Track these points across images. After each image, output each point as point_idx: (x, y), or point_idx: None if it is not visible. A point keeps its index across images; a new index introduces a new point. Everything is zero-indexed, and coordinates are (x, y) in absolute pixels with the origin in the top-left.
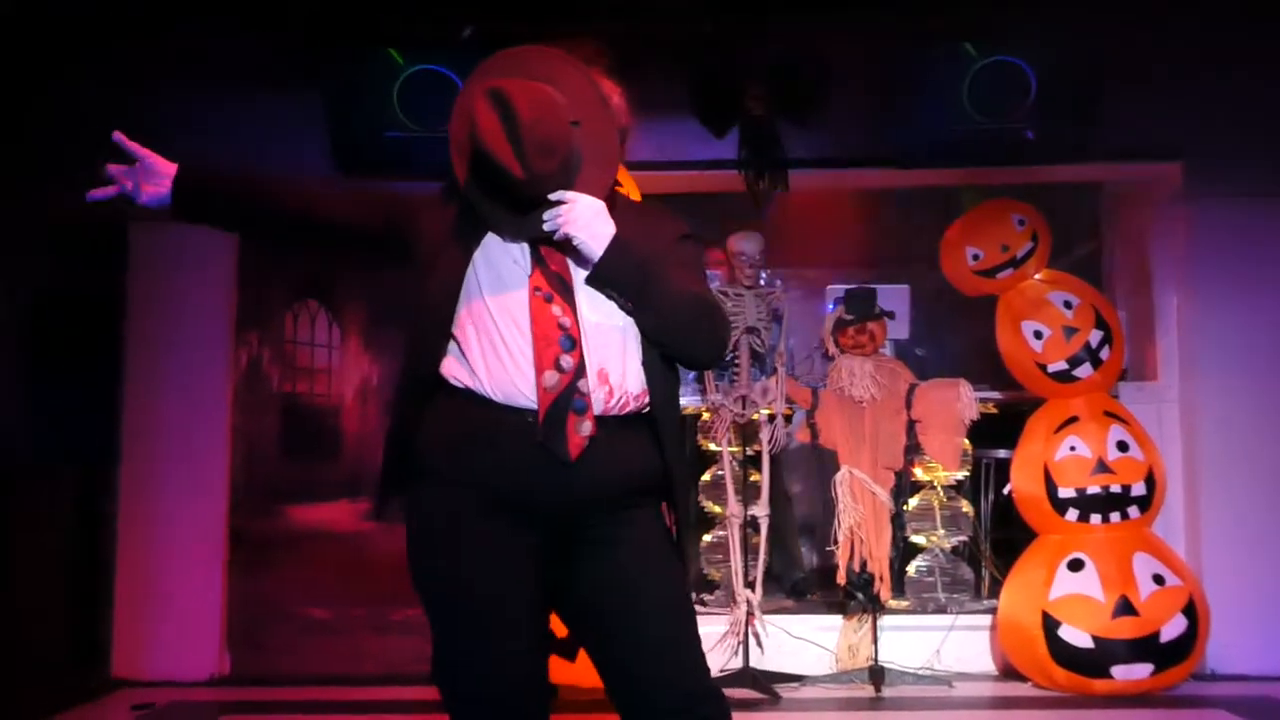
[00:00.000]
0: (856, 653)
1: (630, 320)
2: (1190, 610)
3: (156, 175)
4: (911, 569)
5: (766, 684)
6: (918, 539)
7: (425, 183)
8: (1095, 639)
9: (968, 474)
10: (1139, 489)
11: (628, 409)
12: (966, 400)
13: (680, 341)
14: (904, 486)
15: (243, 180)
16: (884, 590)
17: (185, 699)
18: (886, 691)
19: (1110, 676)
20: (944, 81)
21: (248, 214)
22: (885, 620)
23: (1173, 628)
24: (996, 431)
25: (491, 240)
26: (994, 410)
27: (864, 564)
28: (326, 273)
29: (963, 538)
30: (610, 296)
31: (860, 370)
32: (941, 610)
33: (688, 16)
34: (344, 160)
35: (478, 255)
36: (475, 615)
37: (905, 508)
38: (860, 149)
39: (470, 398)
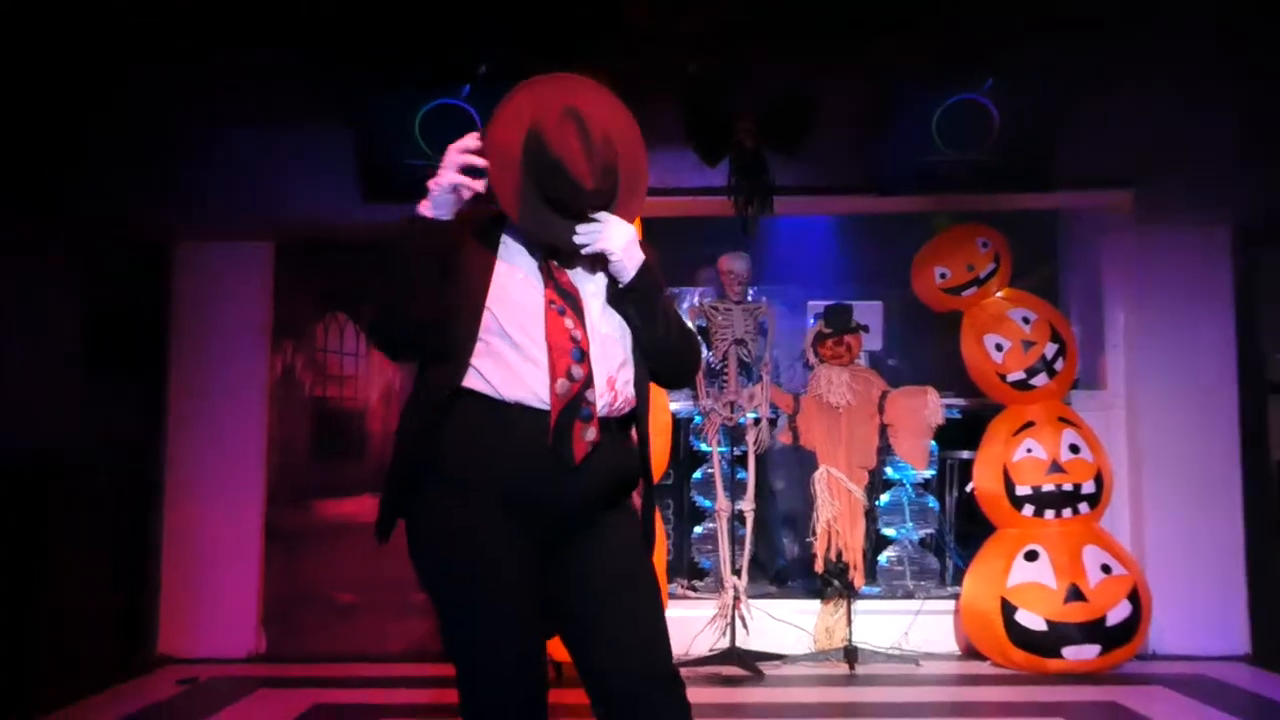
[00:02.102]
0: (833, 634)
1: (628, 332)
2: (1134, 597)
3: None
4: (883, 558)
5: (751, 662)
6: (888, 531)
7: None
8: (1049, 623)
9: (934, 473)
10: (1089, 487)
11: (624, 412)
12: (933, 406)
13: (673, 360)
14: (876, 484)
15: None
16: (858, 577)
17: (225, 674)
18: (860, 669)
19: (1062, 656)
20: (916, 117)
21: (427, 289)
22: (859, 605)
23: (1118, 612)
24: (960, 435)
25: (503, 258)
26: (959, 415)
27: (840, 554)
28: (352, 288)
29: (929, 530)
30: (629, 314)
31: (838, 379)
32: (910, 596)
33: (685, 55)
34: (370, 185)
35: (495, 271)
36: (489, 607)
37: (878, 503)
38: (839, 177)
39: (486, 404)
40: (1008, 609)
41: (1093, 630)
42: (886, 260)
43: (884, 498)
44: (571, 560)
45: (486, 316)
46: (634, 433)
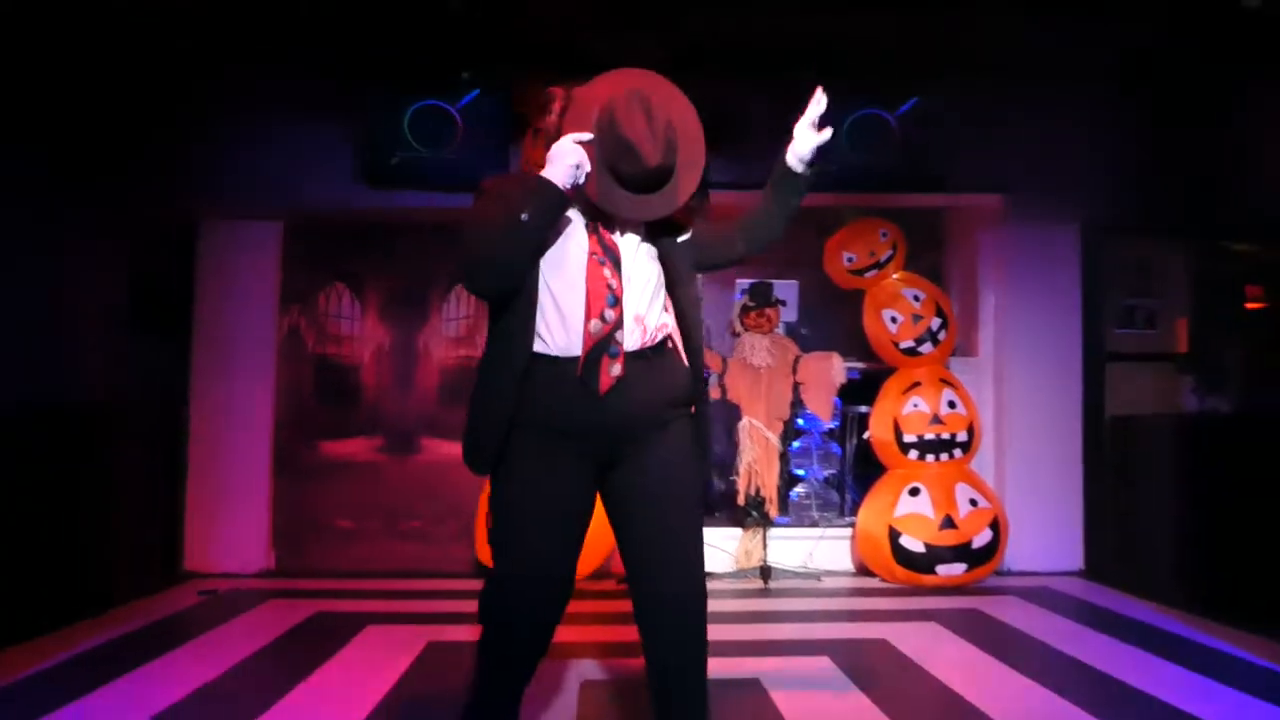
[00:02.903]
0: (751, 555)
1: (662, 280)
2: (995, 525)
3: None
4: (793, 494)
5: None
6: (799, 471)
7: (431, 193)
8: (926, 546)
9: (837, 424)
10: (962, 436)
11: (657, 339)
12: (838, 368)
13: (781, 228)
14: (789, 432)
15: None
16: (772, 509)
17: (240, 587)
18: (772, 584)
19: (936, 573)
20: (828, 127)
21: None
22: (773, 532)
23: (982, 538)
24: (860, 392)
25: (560, 228)
26: (858, 376)
27: (758, 490)
28: (350, 261)
29: (832, 471)
30: (789, 190)
31: (759, 344)
32: (815, 525)
33: (638, 66)
34: (368, 174)
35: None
36: (538, 513)
37: (790, 448)
38: (765, 175)
39: (539, 359)
40: (894, 535)
41: (961, 552)
42: (802, 247)
43: (796, 443)
44: (617, 478)
45: (541, 281)
46: (690, 347)
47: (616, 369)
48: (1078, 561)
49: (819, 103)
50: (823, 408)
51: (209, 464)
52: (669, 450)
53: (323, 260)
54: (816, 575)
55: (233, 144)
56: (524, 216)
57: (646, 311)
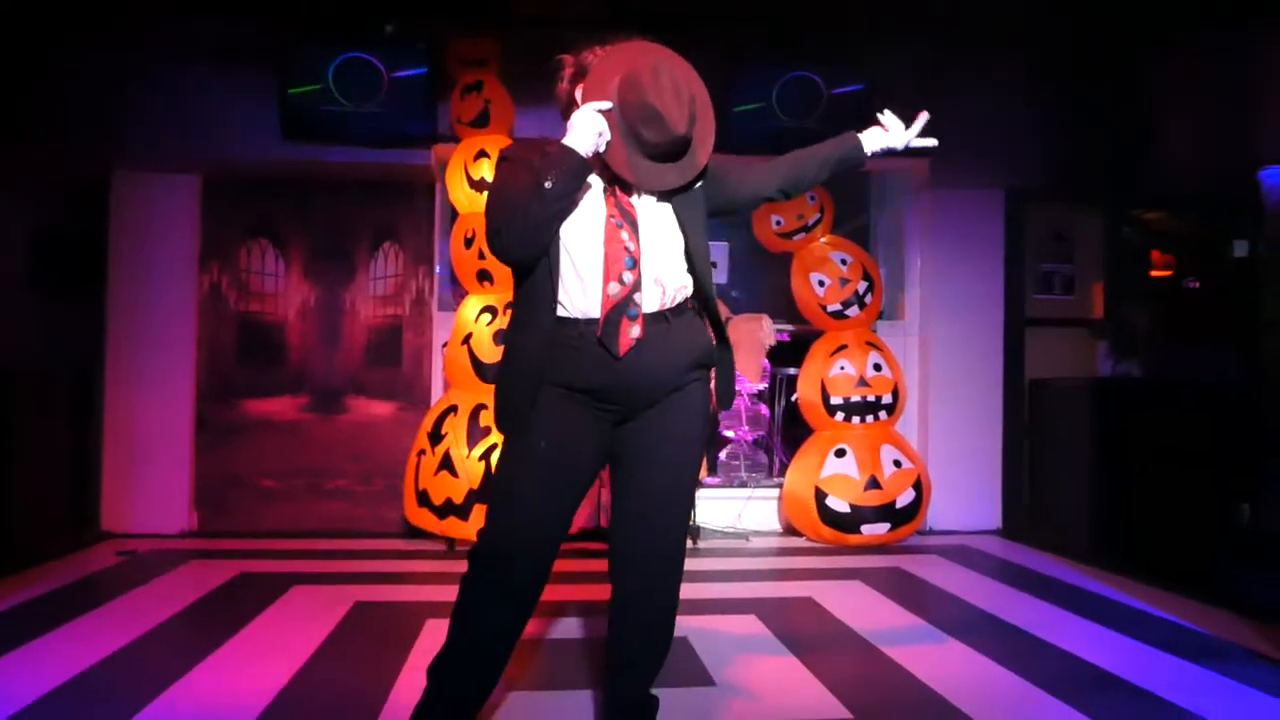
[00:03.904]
0: None
1: (680, 242)
2: (918, 485)
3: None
4: (723, 455)
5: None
6: (728, 433)
7: (352, 148)
8: (852, 506)
9: (766, 385)
10: (888, 399)
11: (677, 300)
12: (768, 330)
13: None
14: None
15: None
16: (702, 470)
17: (161, 548)
18: (702, 544)
19: (861, 532)
20: (759, 91)
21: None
22: (702, 492)
23: (905, 498)
24: (788, 354)
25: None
26: (787, 338)
27: None
28: (273, 217)
29: (761, 433)
30: (839, 167)
31: None
32: (743, 485)
33: (567, 24)
34: (290, 129)
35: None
36: (550, 462)
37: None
38: None
39: (562, 321)
40: (820, 495)
41: (885, 512)
42: None
43: None
44: (626, 434)
45: (562, 247)
46: (709, 307)
47: (636, 331)
48: (996, 521)
49: (922, 121)
50: (752, 369)
51: (127, 424)
52: (682, 414)
53: (244, 215)
54: (744, 535)
55: (147, 92)
56: (548, 184)
57: (666, 273)
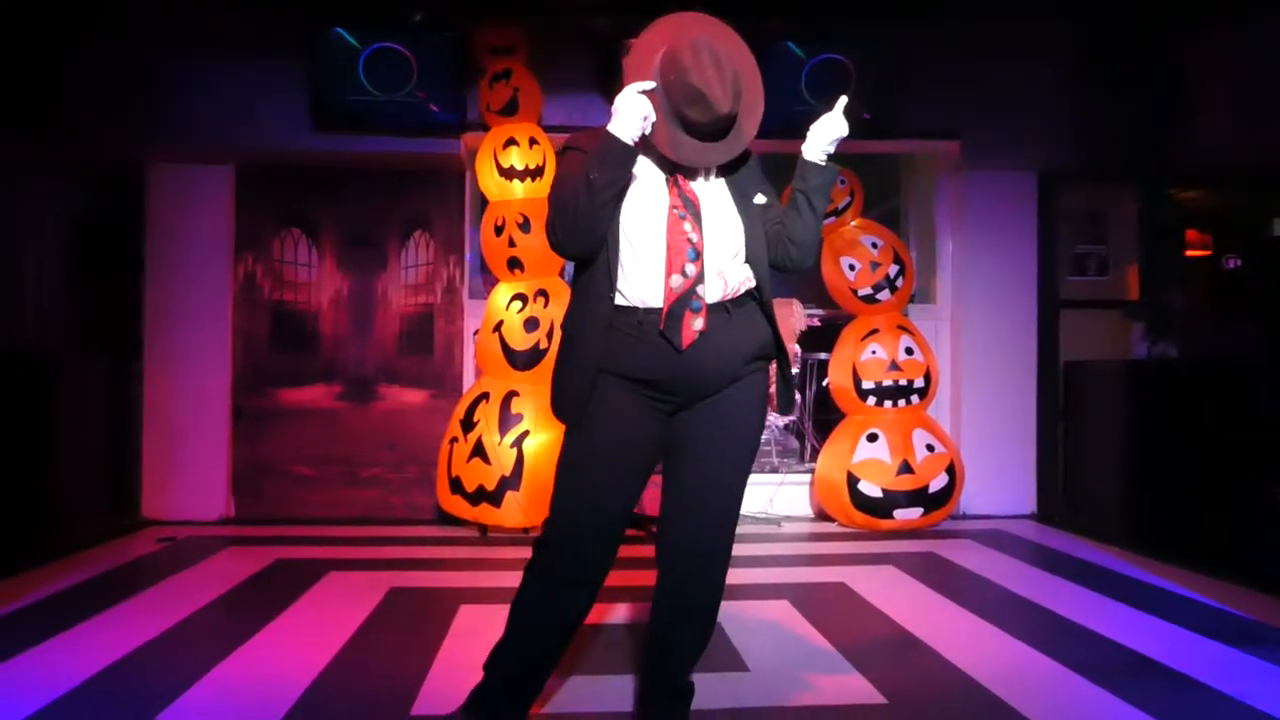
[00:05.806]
0: None
1: (742, 233)
2: (950, 470)
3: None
4: None
5: (646, 523)
6: None
7: (382, 137)
8: (884, 490)
9: (797, 370)
10: (920, 382)
11: (739, 294)
12: (798, 315)
13: (812, 246)
14: None
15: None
16: None
17: (199, 535)
18: None
19: (893, 517)
20: (788, 74)
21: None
22: None
23: (938, 482)
24: (819, 339)
25: (635, 178)
26: (818, 323)
27: None
28: (305, 207)
29: (792, 418)
30: (805, 196)
31: None
32: (775, 470)
33: (594, 11)
34: (321, 119)
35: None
36: (610, 453)
37: None
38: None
39: (622, 311)
40: (852, 480)
41: (918, 496)
42: None
43: None
44: (683, 424)
45: (620, 233)
46: (766, 302)
47: (699, 323)
48: (1030, 505)
49: (840, 104)
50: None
51: (165, 413)
52: (739, 405)
53: (276, 205)
54: (776, 521)
55: (180, 84)
56: (593, 175)
57: (728, 265)
